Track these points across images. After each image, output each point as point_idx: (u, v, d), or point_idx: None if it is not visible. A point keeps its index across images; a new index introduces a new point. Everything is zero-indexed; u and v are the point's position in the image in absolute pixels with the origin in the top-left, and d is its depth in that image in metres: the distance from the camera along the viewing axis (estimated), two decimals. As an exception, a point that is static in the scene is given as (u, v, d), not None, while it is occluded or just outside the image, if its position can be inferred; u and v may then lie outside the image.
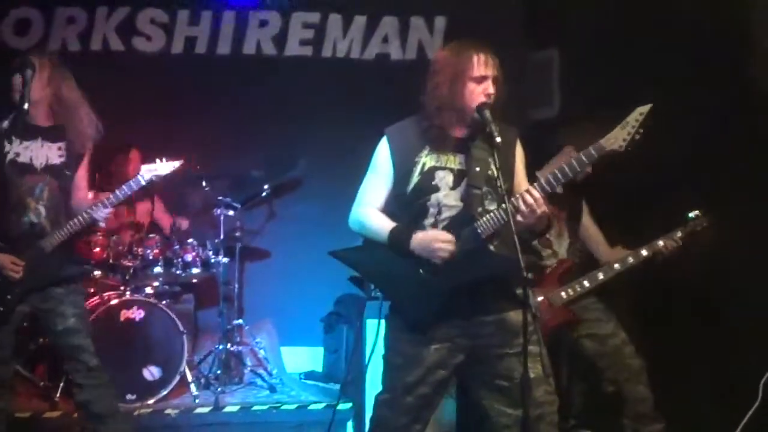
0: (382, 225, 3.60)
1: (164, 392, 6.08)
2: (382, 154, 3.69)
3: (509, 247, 3.36)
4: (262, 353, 7.06)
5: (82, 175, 4.57)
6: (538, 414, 3.45)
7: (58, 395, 5.79)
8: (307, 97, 7.34)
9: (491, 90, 3.55)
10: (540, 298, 4.89)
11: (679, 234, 4.97)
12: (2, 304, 4.32)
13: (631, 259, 4.99)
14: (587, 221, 5.33)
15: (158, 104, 7.07)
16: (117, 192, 4.47)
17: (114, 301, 6.01)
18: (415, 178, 3.59)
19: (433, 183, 3.57)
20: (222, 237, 6.86)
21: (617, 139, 3.41)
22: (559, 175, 3.44)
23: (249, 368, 6.91)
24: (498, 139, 3.41)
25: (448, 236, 3.45)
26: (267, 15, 7.47)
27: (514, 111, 5.34)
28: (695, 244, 5.00)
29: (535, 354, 3.36)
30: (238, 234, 6.94)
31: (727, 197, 5.04)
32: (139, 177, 4.57)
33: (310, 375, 7.17)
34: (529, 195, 3.39)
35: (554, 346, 4.72)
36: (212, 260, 6.84)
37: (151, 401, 6.02)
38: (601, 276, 5.01)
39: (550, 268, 5.12)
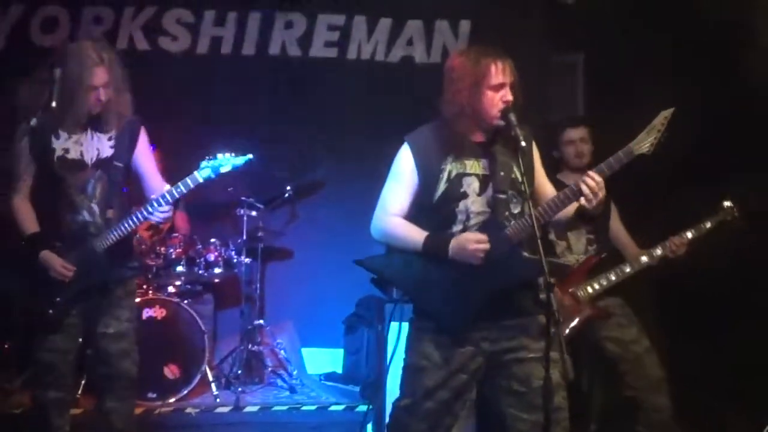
0: (414, 234, 3.59)
1: (185, 391, 6.10)
2: (406, 162, 3.68)
3: (535, 251, 3.37)
4: (282, 354, 7.07)
5: (145, 162, 4.37)
6: (555, 419, 3.40)
7: (79, 392, 5.82)
8: (331, 99, 7.34)
9: (509, 97, 3.58)
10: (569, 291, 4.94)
11: (709, 224, 4.93)
12: (51, 306, 4.15)
13: (659, 251, 4.96)
14: (616, 224, 5.30)
15: (182, 104, 7.09)
16: (174, 188, 4.18)
17: (136, 300, 6.03)
18: (443, 186, 3.60)
19: (462, 190, 3.59)
20: (244, 237, 6.87)
21: (645, 143, 3.51)
22: (612, 165, 3.51)
23: (269, 369, 6.91)
24: (523, 143, 3.46)
25: (483, 236, 3.47)
26: (292, 16, 7.48)
27: (536, 115, 5.37)
28: (725, 239, 4.92)
29: (556, 359, 3.30)
30: (260, 234, 6.95)
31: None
32: (196, 174, 4.20)
33: (330, 376, 7.18)
34: (591, 179, 3.45)
35: (577, 349, 4.69)
36: (234, 260, 6.86)
37: (171, 400, 6.04)
38: (628, 269, 4.98)
39: (573, 263, 5.09)
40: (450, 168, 3.61)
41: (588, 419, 5.55)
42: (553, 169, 4.86)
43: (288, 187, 6.97)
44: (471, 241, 3.46)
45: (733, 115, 5.41)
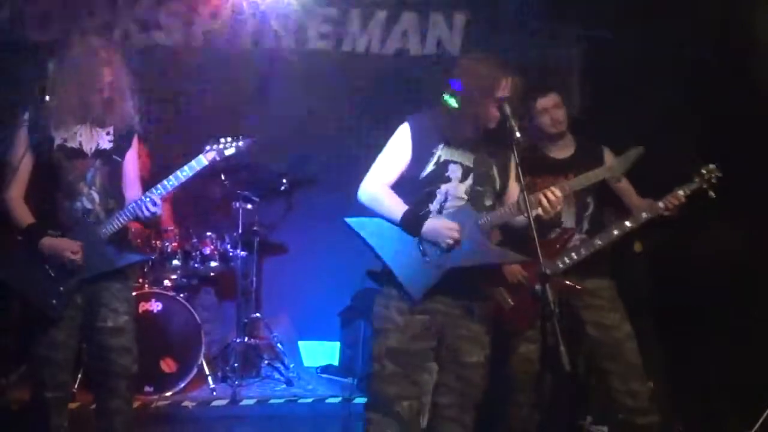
0: (395, 206, 3.93)
1: (182, 384, 6.12)
2: (403, 139, 4.01)
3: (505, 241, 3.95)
4: (279, 347, 7.08)
5: (130, 169, 4.38)
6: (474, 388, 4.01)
7: (75, 386, 5.82)
8: (326, 92, 7.33)
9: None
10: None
11: (681, 192, 4.76)
12: (55, 296, 4.09)
13: (661, 204, 4.78)
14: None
15: (176, 97, 7.09)
16: (180, 171, 4.23)
17: (132, 294, 6.03)
18: (430, 167, 3.95)
19: (446, 174, 3.95)
20: (240, 230, 6.88)
21: (615, 170, 4.09)
22: (570, 186, 3.91)
23: (266, 362, 6.94)
24: (518, 134, 3.63)
25: (456, 225, 3.83)
26: (287, 9, 7.46)
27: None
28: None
29: (481, 340, 3.98)
30: (256, 228, 6.96)
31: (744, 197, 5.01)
32: (201, 157, 4.27)
33: (326, 369, 7.19)
34: (551, 194, 3.83)
35: (574, 342, 4.67)
36: (230, 254, 6.87)
37: (168, 393, 6.06)
38: (599, 242, 4.81)
39: (552, 236, 4.97)
40: (440, 153, 3.96)
41: (583, 411, 5.56)
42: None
43: (284, 180, 6.98)
44: (446, 228, 3.83)
45: (733, 113, 5.40)
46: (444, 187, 3.94)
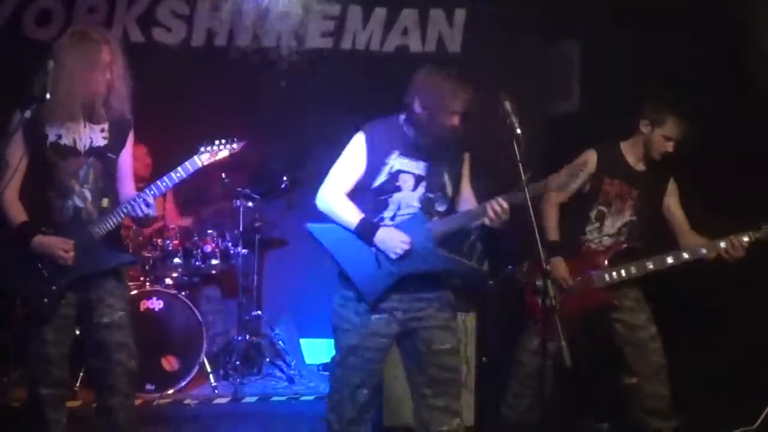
0: (350, 214, 4.07)
1: (183, 383, 6.13)
2: (357, 149, 4.15)
3: (452, 248, 4.07)
4: (280, 344, 7.09)
5: (125, 166, 4.34)
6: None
7: (77, 384, 5.83)
8: (326, 89, 7.32)
9: (456, 123, 4.00)
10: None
11: (746, 239, 4.72)
12: (47, 294, 4.07)
13: (723, 244, 4.74)
14: (671, 202, 5.11)
15: (177, 96, 7.07)
16: (174, 173, 4.22)
17: (133, 292, 6.04)
18: (383, 177, 4.08)
19: (397, 184, 4.09)
20: (241, 228, 6.89)
21: (562, 183, 4.06)
22: (517, 197, 3.81)
23: (268, 359, 6.94)
24: (518, 131, 3.61)
25: (407, 238, 3.98)
26: (287, 6, 7.46)
27: (532, 106, 5.36)
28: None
29: (451, 326, 4.17)
30: (257, 225, 6.96)
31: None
32: (195, 158, 4.27)
33: (328, 366, 7.17)
34: (498, 204, 3.90)
35: (577, 337, 4.67)
36: (231, 251, 6.87)
37: (170, 391, 6.07)
38: (650, 266, 4.86)
39: (594, 244, 5.06)
40: (393, 163, 4.09)
41: (585, 408, 5.57)
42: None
43: (284, 178, 6.97)
44: (396, 239, 3.98)
45: (732, 111, 5.40)
46: (396, 196, 4.08)
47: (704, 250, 4.80)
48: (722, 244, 4.75)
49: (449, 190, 4.15)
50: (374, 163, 4.09)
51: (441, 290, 4.18)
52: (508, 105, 3.66)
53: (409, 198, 4.08)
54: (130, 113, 4.32)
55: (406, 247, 3.97)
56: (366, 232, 4.03)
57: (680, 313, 5.50)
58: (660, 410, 4.96)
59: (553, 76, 7.30)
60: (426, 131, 4.03)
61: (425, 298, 4.11)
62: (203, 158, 4.28)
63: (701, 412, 5.26)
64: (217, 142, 4.33)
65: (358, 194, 4.14)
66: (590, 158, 5.03)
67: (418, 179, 4.09)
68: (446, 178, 4.14)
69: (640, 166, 5.07)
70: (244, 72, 7.36)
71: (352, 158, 4.16)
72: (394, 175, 4.08)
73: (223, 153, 4.36)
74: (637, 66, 6.11)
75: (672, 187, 5.11)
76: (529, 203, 3.58)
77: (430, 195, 4.10)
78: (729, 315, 5.57)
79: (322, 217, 4.19)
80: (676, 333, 5.15)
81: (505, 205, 3.90)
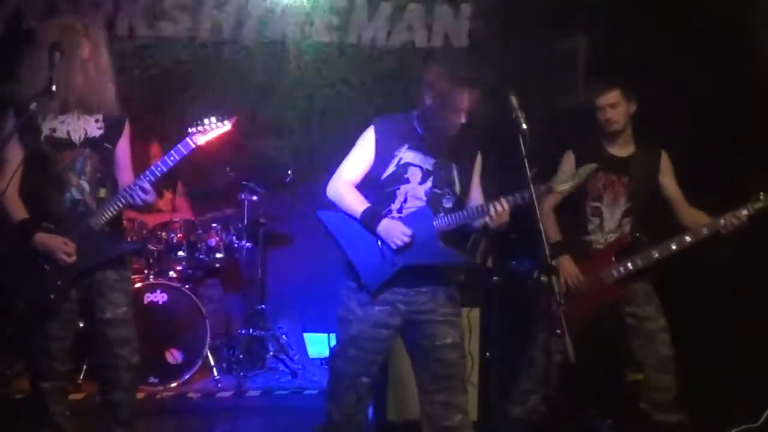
0: (357, 203, 4.14)
1: (186, 376, 6.13)
2: (368, 142, 4.21)
3: (456, 243, 4.16)
4: (284, 338, 7.09)
5: (122, 156, 4.33)
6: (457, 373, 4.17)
7: (81, 377, 5.84)
8: (332, 84, 7.32)
9: (463, 121, 4.03)
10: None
11: (745, 212, 4.74)
12: (53, 291, 4.07)
13: (705, 231, 4.79)
14: (666, 180, 5.11)
15: (183, 90, 7.07)
16: (167, 156, 4.19)
17: (137, 285, 6.04)
18: (391, 168, 4.14)
19: (405, 176, 4.14)
20: (245, 222, 6.88)
21: (565, 184, 4.07)
22: (519, 199, 3.93)
23: (271, 353, 6.94)
24: (524, 126, 3.65)
25: (408, 230, 4.02)
26: (293, 0, 7.44)
27: (538, 100, 5.35)
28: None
29: (453, 321, 4.15)
30: (261, 219, 6.96)
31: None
32: (188, 140, 4.22)
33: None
34: (499, 204, 3.96)
35: (583, 334, 4.66)
36: (236, 245, 6.87)
37: (173, 384, 6.06)
38: (656, 255, 4.87)
39: (601, 243, 5.06)
40: (402, 155, 4.14)
41: (590, 400, 5.57)
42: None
43: (289, 172, 6.97)
44: (397, 230, 4.02)
45: (733, 109, 5.39)
46: (403, 188, 4.13)
47: (705, 230, 4.82)
48: (722, 221, 4.78)
49: (457, 187, 4.18)
50: (383, 155, 4.16)
51: (444, 285, 4.20)
52: (514, 100, 3.69)
53: (416, 191, 4.12)
54: (122, 104, 4.31)
55: (407, 239, 4.01)
56: (370, 221, 4.08)
57: (685, 308, 5.49)
58: (665, 403, 4.96)
59: (558, 70, 7.29)
60: (433, 126, 4.07)
61: (428, 292, 4.14)
62: (195, 139, 4.24)
63: (705, 408, 5.26)
64: (206, 120, 4.28)
65: (367, 186, 4.20)
66: (568, 159, 5.07)
67: (426, 174, 4.13)
68: (455, 175, 4.18)
69: (626, 152, 5.08)
70: (250, 65, 7.34)
71: (362, 150, 4.23)
72: (403, 167, 4.13)
73: (215, 131, 4.30)
74: (641, 62, 6.11)
75: (665, 164, 5.11)
76: (535, 199, 3.62)
77: (438, 190, 4.14)
78: (733, 310, 5.56)
79: (329, 209, 4.21)
80: (681, 328, 5.15)
81: (506, 205, 3.95)
